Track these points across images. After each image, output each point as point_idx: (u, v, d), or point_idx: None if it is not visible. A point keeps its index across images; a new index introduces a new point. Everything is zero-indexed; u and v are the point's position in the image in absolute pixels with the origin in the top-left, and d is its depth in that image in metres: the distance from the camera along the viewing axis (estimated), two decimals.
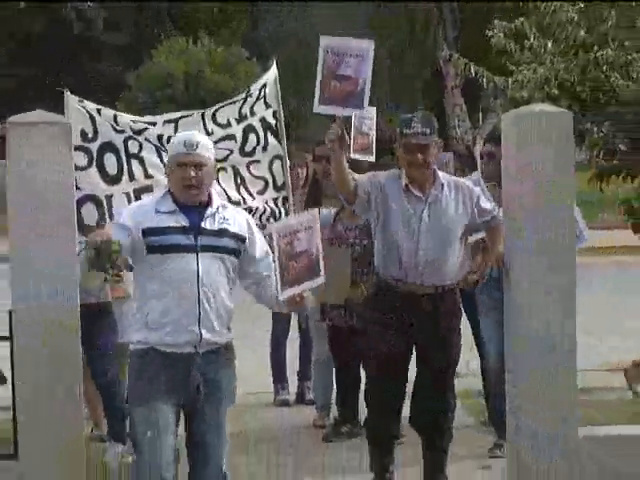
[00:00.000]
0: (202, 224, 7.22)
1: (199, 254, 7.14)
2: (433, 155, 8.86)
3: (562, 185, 8.74)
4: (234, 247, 7.32)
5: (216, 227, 7.25)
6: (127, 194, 10.32)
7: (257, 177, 10.85)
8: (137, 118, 10.95)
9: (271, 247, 7.32)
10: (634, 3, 11.48)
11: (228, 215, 7.39)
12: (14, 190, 8.77)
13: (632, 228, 11.80)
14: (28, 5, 52.00)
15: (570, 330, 8.86)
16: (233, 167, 10.79)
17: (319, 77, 8.30)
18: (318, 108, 8.35)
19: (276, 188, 10.98)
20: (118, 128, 10.45)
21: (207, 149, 7.39)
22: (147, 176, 10.41)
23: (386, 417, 9.22)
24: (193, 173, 7.17)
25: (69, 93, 10.34)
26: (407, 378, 9.19)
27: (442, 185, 8.84)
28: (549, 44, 12.04)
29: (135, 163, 10.45)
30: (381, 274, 9.06)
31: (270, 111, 11.11)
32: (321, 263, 7.48)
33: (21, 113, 9.01)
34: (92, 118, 10.35)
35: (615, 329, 12.04)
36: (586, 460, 8.81)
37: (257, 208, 10.86)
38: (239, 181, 10.72)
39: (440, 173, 9.03)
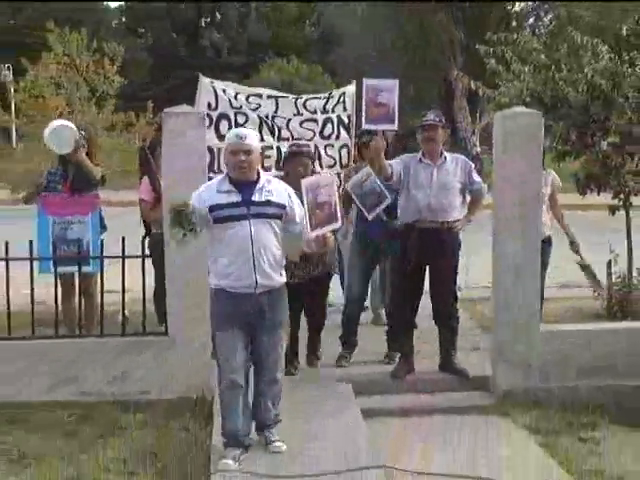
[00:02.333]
0: (252, 198, 7.23)
1: (251, 221, 7.17)
2: (440, 135, 9.56)
3: (532, 159, 9.29)
4: (277, 213, 7.30)
5: (263, 199, 7.26)
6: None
7: (329, 156, 11.11)
8: (253, 92, 11.27)
9: (301, 199, 7.40)
10: (581, 38, 11.77)
11: (272, 188, 7.37)
12: (167, 157, 9.18)
13: (578, 191, 12.01)
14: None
15: (533, 257, 9.28)
16: (315, 146, 10.98)
17: (364, 104, 9.09)
18: (365, 125, 9.19)
19: (341, 166, 11.21)
20: (234, 104, 10.92)
21: (253, 139, 7.43)
22: None
23: (407, 310, 9.57)
24: (243, 157, 7.22)
25: (202, 76, 10.98)
26: (423, 286, 9.58)
27: (445, 157, 9.52)
28: (525, 68, 12.41)
29: None
30: (402, 220, 9.59)
31: (346, 114, 11.39)
32: (339, 212, 7.47)
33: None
34: (216, 95, 10.85)
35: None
36: (544, 346, 9.20)
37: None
38: (317, 156, 10.79)
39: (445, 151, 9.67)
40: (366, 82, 9.43)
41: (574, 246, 11.39)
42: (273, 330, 7.40)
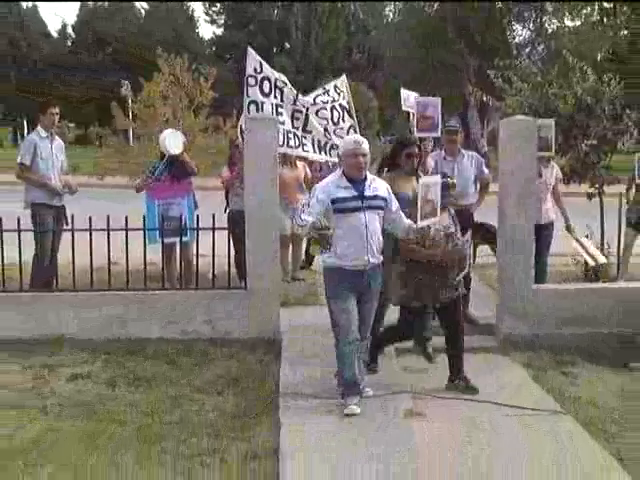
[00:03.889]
0: (365, 193, 7.07)
1: (365, 211, 7.04)
2: (459, 138, 9.70)
3: (529, 155, 9.21)
4: (382, 205, 7.15)
5: (372, 194, 7.09)
6: (272, 105, 10.57)
7: (340, 136, 10.76)
8: (281, 78, 10.94)
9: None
10: (572, 61, 11.79)
11: (377, 185, 7.20)
12: (248, 149, 9.28)
13: (563, 182, 11.94)
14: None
15: (528, 231, 9.24)
16: (326, 129, 10.91)
17: (415, 117, 9.14)
18: (417, 134, 9.19)
19: None
20: (273, 73, 10.79)
21: (366, 144, 7.17)
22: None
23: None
24: (362, 159, 7.05)
25: (250, 48, 10.93)
26: None
27: (463, 155, 9.63)
28: (525, 86, 12.40)
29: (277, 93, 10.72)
30: None
31: (345, 100, 11.16)
32: (438, 208, 7.32)
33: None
34: (260, 63, 10.68)
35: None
36: (537, 301, 9.18)
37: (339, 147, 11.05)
38: (331, 137, 10.88)
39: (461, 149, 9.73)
40: (417, 99, 9.54)
41: (569, 226, 11.32)
42: (375, 297, 7.28)
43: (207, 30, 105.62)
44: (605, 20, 45.59)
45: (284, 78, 10.94)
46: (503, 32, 48.59)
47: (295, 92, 10.98)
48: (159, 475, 5.88)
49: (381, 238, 7.18)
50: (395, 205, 7.30)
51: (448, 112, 10.82)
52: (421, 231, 7.28)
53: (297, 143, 10.84)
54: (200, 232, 9.92)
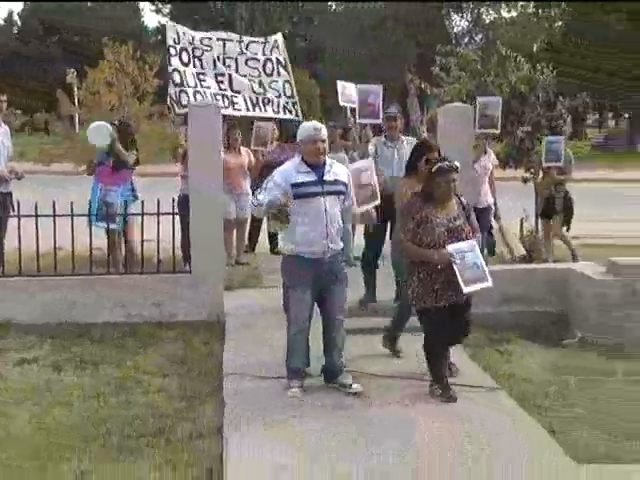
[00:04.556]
0: (325, 177, 6.91)
1: (325, 197, 6.87)
2: (398, 124, 9.66)
3: (465, 139, 9.36)
4: (342, 190, 7.01)
5: (332, 178, 6.94)
6: (193, 74, 10.65)
7: (274, 89, 10.86)
8: (205, 36, 11.09)
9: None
10: (506, 52, 11.96)
11: (337, 169, 7.05)
12: (192, 133, 9.34)
13: (500, 166, 12.08)
14: None
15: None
16: (261, 82, 10.94)
17: (358, 104, 9.10)
18: (359, 120, 9.23)
19: (286, 97, 11.05)
20: (191, 42, 10.82)
21: (325, 130, 7.03)
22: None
23: (371, 255, 9.45)
24: (320, 145, 6.90)
25: (168, 21, 10.95)
26: (384, 237, 9.34)
27: (402, 140, 9.59)
28: (463, 74, 12.52)
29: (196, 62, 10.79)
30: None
31: (282, 57, 11.23)
32: (377, 192, 7.27)
33: None
34: (178, 34, 10.74)
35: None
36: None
37: (273, 101, 11.01)
38: (265, 91, 10.91)
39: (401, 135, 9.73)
40: (359, 87, 9.57)
41: (496, 214, 11.42)
42: (339, 283, 7.09)
43: (152, 19, 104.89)
44: (541, 12, 46.14)
45: (209, 34, 11.06)
46: (442, 24, 48.99)
47: (221, 45, 10.98)
48: (105, 456, 5.84)
49: (341, 224, 7.04)
50: (350, 192, 7.20)
51: (389, 100, 10.84)
52: (363, 216, 7.18)
53: (227, 103, 10.79)
54: (151, 217, 9.76)
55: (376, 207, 7.63)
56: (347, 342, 7.23)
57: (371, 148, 9.51)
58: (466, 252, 6.71)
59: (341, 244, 7.06)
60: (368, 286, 9.54)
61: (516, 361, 7.95)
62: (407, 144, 9.54)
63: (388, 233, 9.23)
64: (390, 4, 52.91)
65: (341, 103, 10.33)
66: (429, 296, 6.81)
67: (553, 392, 7.07)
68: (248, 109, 11.00)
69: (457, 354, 7.81)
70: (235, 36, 11.49)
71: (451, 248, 6.67)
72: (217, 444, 6.02)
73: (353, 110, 10.26)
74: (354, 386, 7.04)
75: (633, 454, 5.81)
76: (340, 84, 10.35)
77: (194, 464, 5.69)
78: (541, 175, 11.92)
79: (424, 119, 12.25)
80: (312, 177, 6.91)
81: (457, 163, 6.78)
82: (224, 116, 10.26)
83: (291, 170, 6.99)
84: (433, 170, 6.79)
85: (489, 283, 6.81)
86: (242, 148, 12.16)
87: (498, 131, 10.58)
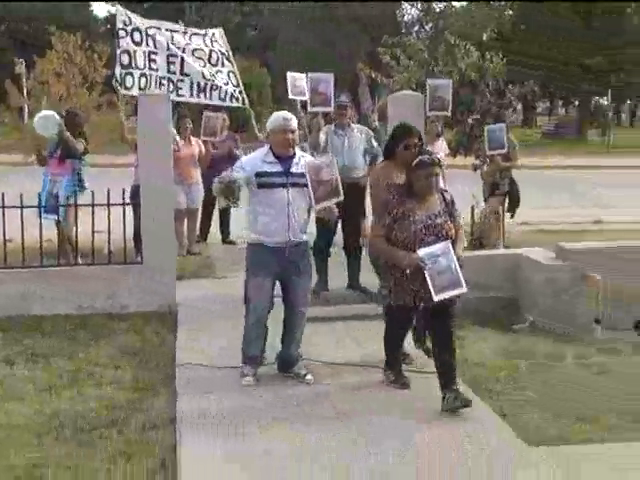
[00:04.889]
0: (291, 169, 6.84)
1: (289, 188, 6.80)
2: (349, 112, 9.66)
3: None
4: (308, 183, 6.84)
5: (299, 171, 6.84)
6: (144, 53, 10.57)
7: (221, 78, 10.79)
8: (154, 25, 10.97)
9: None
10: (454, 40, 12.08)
11: (305, 162, 6.95)
12: (143, 129, 9.26)
13: (451, 154, 12.19)
14: None
15: None
16: (208, 71, 10.85)
17: (308, 94, 9.07)
18: (310, 108, 9.19)
19: (233, 85, 10.99)
20: (142, 25, 10.74)
21: (295, 121, 6.99)
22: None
23: (323, 243, 9.46)
24: (290, 136, 6.85)
25: (118, 6, 10.99)
26: (336, 226, 9.33)
27: (353, 129, 9.59)
28: (412, 63, 12.60)
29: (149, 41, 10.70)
30: None
31: (224, 48, 11.17)
32: (340, 188, 6.91)
33: None
34: (129, 17, 10.67)
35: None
36: None
37: (221, 88, 10.92)
38: (213, 78, 10.81)
39: (352, 123, 9.71)
40: (310, 75, 9.55)
41: None
42: (303, 275, 7.06)
43: (101, 9, 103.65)
44: (491, 1, 46.53)
45: (157, 24, 10.89)
46: (393, 13, 49.12)
47: (169, 35, 10.89)
48: (58, 449, 5.79)
49: (306, 217, 7.01)
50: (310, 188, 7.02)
51: (340, 89, 10.85)
52: (325, 213, 7.05)
53: (172, 88, 10.73)
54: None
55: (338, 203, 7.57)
56: None
57: (322, 137, 9.51)
58: (439, 256, 6.34)
59: (306, 236, 7.05)
60: (320, 274, 9.53)
61: (469, 346, 7.96)
62: (357, 132, 9.60)
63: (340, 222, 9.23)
64: None
65: (290, 96, 10.30)
66: (407, 296, 6.48)
67: (504, 376, 7.13)
68: (192, 95, 10.94)
69: (411, 340, 7.86)
70: (180, 27, 11.42)
71: (422, 252, 6.31)
72: (171, 435, 6.00)
73: (304, 103, 10.24)
74: (308, 377, 7.05)
75: (582, 435, 5.89)
76: (290, 76, 10.31)
77: (148, 455, 5.66)
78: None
79: (375, 108, 12.28)
80: (277, 168, 6.86)
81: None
82: (175, 106, 10.20)
83: (258, 159, 6.94)
84: (414, 164, 6.46)
85: (463, 289, 6.43)
86: (192, 138, 12.14)
87: (449, 114, 10.62)
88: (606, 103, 53.55)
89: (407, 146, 7.00)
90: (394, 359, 6.95)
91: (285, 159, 6.90)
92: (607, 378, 7.26)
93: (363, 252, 9.71)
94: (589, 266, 8.70)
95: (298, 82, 10.24)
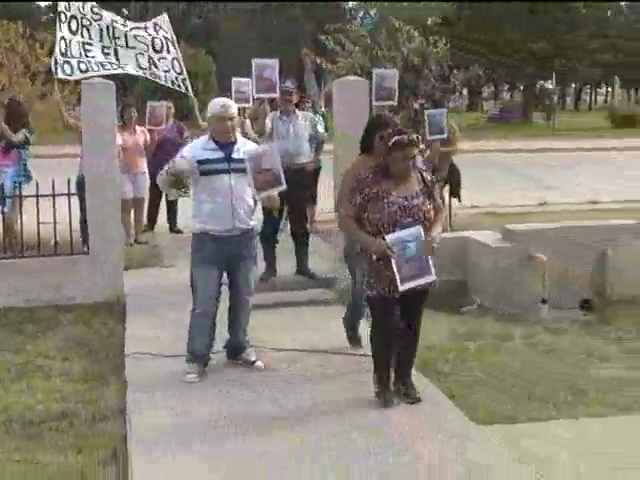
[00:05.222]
0: (232, 155, 6.78)
1: (232, 174, 6.73)
2: (293, 98, 9.65)
3: (359, 111, 9.42)
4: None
5: (241, 157, 6.76)
6: (79, 43, 10.37)
7: (163, 65, 10.69)
8: (96, 11, 10.77)
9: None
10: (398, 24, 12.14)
11: (248, 149, 6.90)
12: (87, 118, 9.24)
13: None
14: None
15: None
16: (150, 57, 10.71)
17: (254, 79, 9.06)
18: (256, 95, 9.17)
19: (176, 72, 10.81)
20: (81, 12, 10.53)
21: (234, 108, 6.94)
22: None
23: (269, 229, 9.34)
24: (229, 123, 6.79)
25: None
26: (283, 212, 9.49)
27: (298, 115, 9.61)
28: (356, 48, 12.65)
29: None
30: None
31: (169, 34, 11.02)
32: (282, 177, 6.84)
33: None
34: (69, 2, 10.44)
35: None
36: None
37: (160, 77, 10.82)
38: (154, 64, 10.67)
39: (297, 110, 9.72)
40: (254, 61, 9.53)
41: None
42: (248, 263, 7.00)
43: None
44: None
45: (98, 10, 10.72)
46: None
47: (107, 23, 10.71)
48: (8, 443, 5.73)
49: (251, 203, 6.93)
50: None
51: (286, 75, 10.85)
52: (267, 201, 7.06)
53: (115, 67, 10.60)
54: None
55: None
56: (251, 317, 7.19)
57: (268, 123, 9.51)
58: (409, 242, 5.91)
59: (252, 222, 7.00)
60: (268, 261, 9.55)
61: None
62: (302, 119, 9.62)
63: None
64: None
65: (256, 95, 10.27)
66: (383, 284, 6.05)
67: (453, 358, 7.19)
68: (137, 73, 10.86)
69: (363, 325, 7.91)
70: (121, 20, 11.23)
71: (390, 238, 5.88)
72: (121, 426, 5.97)
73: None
74: (257, 363, 7.05)
75: (530, 413, 5.97)
76: (235, 81, 10.35)
77: (99, 447, 5.63)
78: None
79: (321, 94, 12.31)
80: (219, 154, 6.79)
81: (416, 136, 6.11)
82: (119, 95, 10.09)
83: (198, 147, 6.90)
84: (390, 144, 6.02)
85: (432, 277, 6.05)
86: (137, 127, 12.05)
87: (395, 103, 10.68)
88: (551, 87, 54.15)
89: (382, 137, 6.49)
90: (381, 365, 6.29)
91: (226, 145, 6.84)
92: (554, 357, 7.37)
93: (310, 238, 9.81)
94: (535, 247, 8.81)
95: (243, 87, 10.25)
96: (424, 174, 6.25)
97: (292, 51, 36.91)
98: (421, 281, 6.01)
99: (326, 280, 9.47)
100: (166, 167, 6.80)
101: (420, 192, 6.10)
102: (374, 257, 5.99)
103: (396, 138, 6.00)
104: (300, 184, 9.28)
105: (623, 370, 6.99)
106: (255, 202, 7.04)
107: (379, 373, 6.27)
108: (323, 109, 11.69)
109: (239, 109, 9.32)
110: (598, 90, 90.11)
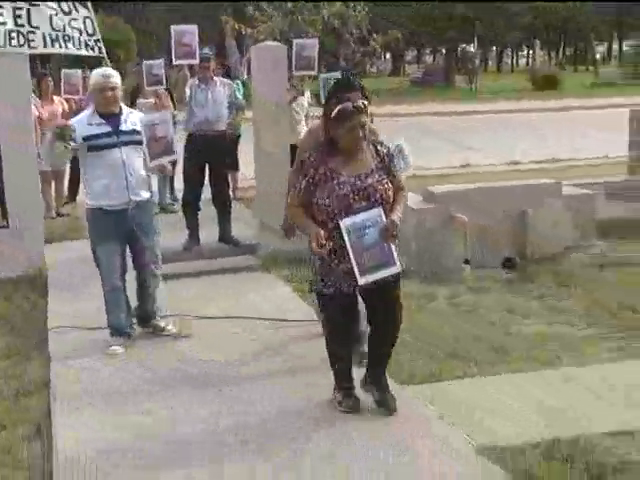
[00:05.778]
0: (120, 127, 6.66)
1: (122, 147, 6.61)
2: (212, 66, 9.60)
3: (278, 77, 9.29)
4: (141, 139, 6.69)
5: (129, 128, 6.68)
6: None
7: (75, 27, 9.98)
8: None
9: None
10: None
11: (134, 119, 6.79)
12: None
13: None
14: None
15: (283, 152, 9.38)
16: (61, 19, 9.98)
17: (173, 45, 8.94)
18: (175, 61, 9.05)
19: (88, 34, 10.15)
20: None
21: (116, 77, 6.70)
22: None
23: (192, 197, 9.45)
24: (110, 93, 6.63)
25: None
26: (204, 178, 9.52)
27: (216, 82, 9.55)
28: (276, 13, 12.58)
29: None
30: (187, 130, 9.52)
31: None
32: (174, 145, 6.83)
33: None
34: None
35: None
36: None
37: (74, 38, 10.11)
38: (64, 28, 9.96)
39: (215, 77, 9.64)
40: (173, 28, 9.39)
41: None
42: (149, 233, 6.87)
43: None
44: None
45: None
46: None
47: None
48: None
49: (144, 174, 6.82)
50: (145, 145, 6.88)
51: (207, 42, 10.73)
52: (158, 170, 7.01)
53: (22, 41, 10.28)
54: None
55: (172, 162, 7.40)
56: (176, 286, 7.17)
57: (187, 91, 9.44)
58: (367, 228, 5.04)
59: (148, 194, 6.88)
60: (191, 230, 9.54)
61: None
62: (220, 85, 9.57)
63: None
64: None
65: (146, 87, 10.22)
66: (336, 279, 5.20)
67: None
68: (46, 46, 10.50)
69: (282, 290, 7.96)
70: None
71: (345, 223, 5.01)
72: (45, 400, 5.91)
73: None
74: (168, 327, 7.06)
75: (454, 371, 6.03)
76: (146, 65, 10.10)
77: (23, 422, 5.57)
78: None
79: (243, 60, 12.21)
80: (106, 128, 6.65)
81: (363, 102, 5.06)
82: (34, 64, 9.90)
83: (83, 122, 6.71)
84: (333, 114, 5.05)
85: (396, 268, 5.20)
86: (55, 97, 11.86)
87: (315, 72, 10.64)
88: (472, 50, 54.55)
89: (341, 101, 5.11)
90: (341, 370, 5.51)
91: (112, 118, 6.69)
92: (477, 316, 7.47)
93: (233, 204, 9.81)
94: (456, 208, 8.86)
95: (155, 70, 10.11)
96: (379, 147, 5.29)
97: (213, 17, 36.51)
98: (385, 272, 5.13)
99: (250, 247, 9.47)
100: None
101: (376, 168, 5.18)
102: (325, 247, 5.00)
103: (339, 107, 4.99)
104: (220, 150, 9.37)
105: (545, 326, 7.12)
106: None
107: (340, 384, 5.50)
108: (245, 76, 11.60)
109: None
110: (520, 53, 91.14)
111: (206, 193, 9.73)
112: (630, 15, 64.63)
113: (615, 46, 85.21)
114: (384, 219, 5.10)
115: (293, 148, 9.85)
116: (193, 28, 9.39)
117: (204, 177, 9.52)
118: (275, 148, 9.32)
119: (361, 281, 5.06)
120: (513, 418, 5.20)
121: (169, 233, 9.72)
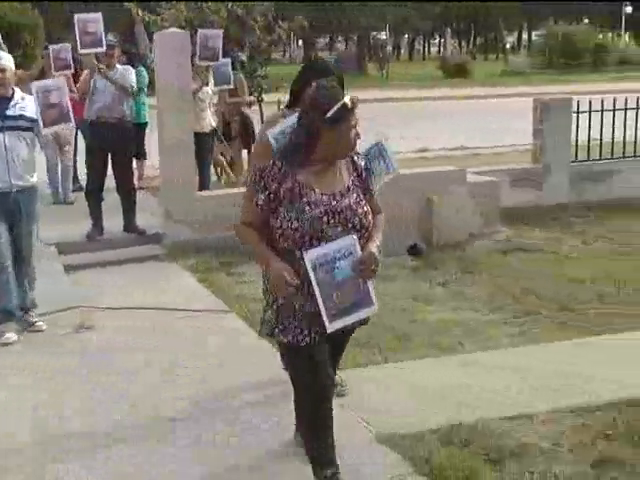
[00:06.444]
0: (6, 112, 6.51)
1: (5, 132, 6.47)
2: (115, 52, 9.42)
3: (182, 64, 9.16)
4: (28, 126, 6.60)
5: (16, 113, 6.54)
6: None
7: None
8: None
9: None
10: None
11: (25, 104, 6.63)
12: None
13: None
14: None
15: (187, 140, 9.40)
16: None
17: (77, 34, 8.76)
18: (81, 50, 8.87)
19: None
20: None
21: (8, 60, 6.60)
22: None
23: (96, 186, 9.27)
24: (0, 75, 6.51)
25: None
26: (107, 167, 9.36)
27: (118, 69, 9.39)
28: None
29: None
30: (87, 118, 9.31)
31: None
32: (71, 113, 6.73)
33: None
34: None
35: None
36: (201, 207, 9.21)
37: None
38: None
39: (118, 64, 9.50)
40: (77, 16, 9.19)
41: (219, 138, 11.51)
42: (29, 219, 6.75)
43: None
44: None
45: None
46: None
47: None
48: None
49: (29, 160, 6.71)
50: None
51: (116, 29, 10.57)
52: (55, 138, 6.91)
53: None
54: None
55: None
56: (79, 277, 7.00)
57: (92, 81, 9.28)
58: (337, 260, 3.89)
59: (32, 179, 6.78)
60: (95, 219, 9.41)
61: (248, 283, 7.98)
62: (122, 72, 9.39)
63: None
64: None
65: (54, 72, 9.89)
66: (298, 326, 3.97)
67: None
68: None
69: (187, 280, 7.88)
70: None
71: (310, 256, 3.83)
72: None
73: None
74: (38, 324, 6.91)
75: (358, 359, 5.99)
76: (53, 49, 9.99)
77: None
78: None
79: (153, 47, 12.09)
80: None
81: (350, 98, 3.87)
82: None
83: None
84: (327, 116, 3.80)
85: (373, 308, 4.13)
86: None
87: (219, 63, 10.58)
88: (384, 38, 54.95)
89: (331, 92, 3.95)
90: (320, 440, 4.17)
91: (1, 101, 6.55)
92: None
93: (139, 193, 9.72)
94: None
95: (62, 54, 9.91)
96: (355, 159, 4.12)
97: (121, 3, 35.96)
98: (360, 315, 4.08)
99: (155, 236, 9.37)
100: None
101: (352, 186, 4.03)
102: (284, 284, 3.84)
103: (341, 103, 3.83)
104: (120, 137, 9.19)
105: (449, 312, 7.20)
106: (34, 160, 6.82)
107: (315, 459, 4.20)
108: (155, 65, 11.40)
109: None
110: (431, 41, 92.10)
111: (112, 181, 9.59)
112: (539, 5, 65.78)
113: (525, 36, 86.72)
114: (359, 250, 3.96)
115: (197, 135, 9.85)
116: (97, 16, 9.23)
117: (107, 165, 9.38)
118: (180, 135, 9.20)
119: (329, 329, 3.92)
120: (413, 405, 5.24)
121: (71, 224, 9.72)
